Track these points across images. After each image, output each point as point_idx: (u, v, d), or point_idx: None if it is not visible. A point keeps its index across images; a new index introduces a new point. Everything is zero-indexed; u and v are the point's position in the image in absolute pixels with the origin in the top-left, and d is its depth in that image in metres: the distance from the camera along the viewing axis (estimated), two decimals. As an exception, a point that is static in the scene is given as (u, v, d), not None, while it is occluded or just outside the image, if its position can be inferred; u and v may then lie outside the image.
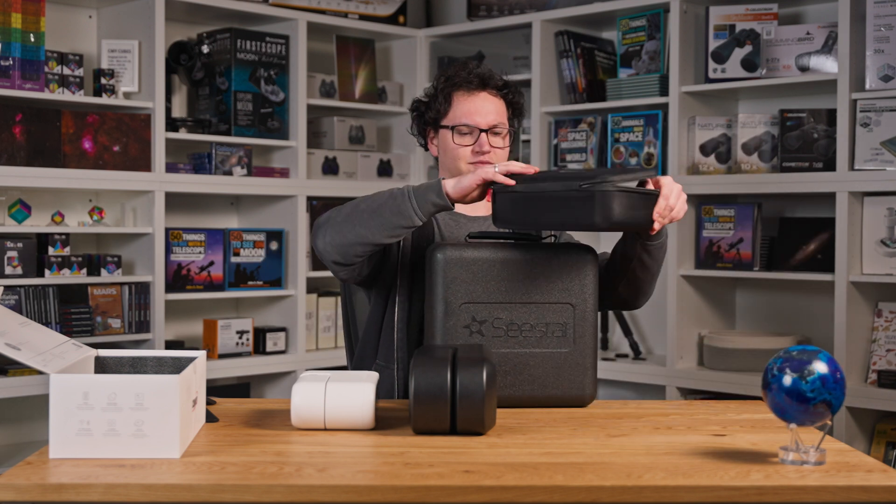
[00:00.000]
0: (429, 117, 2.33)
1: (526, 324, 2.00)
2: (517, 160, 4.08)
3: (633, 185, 1.95)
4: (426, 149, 2.39)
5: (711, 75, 3.62)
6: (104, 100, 3.54)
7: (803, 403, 1.56)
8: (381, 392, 2.18)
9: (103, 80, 3.55)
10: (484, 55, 4.25)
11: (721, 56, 3.60)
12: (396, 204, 2.02)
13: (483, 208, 2.33)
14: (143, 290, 3.60)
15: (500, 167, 2.02)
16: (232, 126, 3.85)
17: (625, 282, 2.17)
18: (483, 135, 2.26)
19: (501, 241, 2.08)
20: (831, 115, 3.39)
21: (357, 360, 2.31)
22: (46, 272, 3.40)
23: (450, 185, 2.02)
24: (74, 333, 3.42)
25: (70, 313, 3.45)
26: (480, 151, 2.25)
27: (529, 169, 2.02)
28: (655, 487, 1.48)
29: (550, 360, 2.00)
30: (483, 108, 2.27)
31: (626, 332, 3.93)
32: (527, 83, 4.08)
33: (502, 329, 2.00)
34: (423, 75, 4.35)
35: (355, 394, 1.80)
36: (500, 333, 2.00)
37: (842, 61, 3.29)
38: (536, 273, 2.00)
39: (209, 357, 3.78)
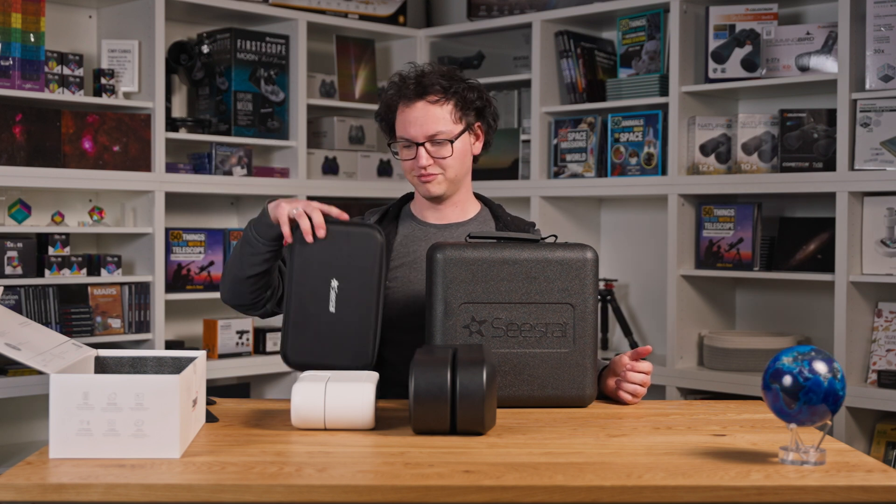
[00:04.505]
0: (384, 128, 2.32)
1: (526, 324, 2.00)
2: (518, 160, 4.08)
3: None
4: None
5: (711, 75, 3.62)
6: (104, 100, 3.54)
7: (837, 403, 1.57)
8: None
9: (103, 80, 3.55)
10: (484, 55, 4.25)
11: (721, 56, 3.60)
12: (246, 238, 2.11)
13: (453, 216, 2.32)
14: (143, 290, 3.60)
15: (305, 208, 2.02)
16: (232, 126, 3.85)
17: None
18: (420, 148, 2.21)
19: (501, 241, 2.08)
20: (831, 115, 3.39)
21: None
22: (46, 272, 3.40)
23: (270, 209, 2.07)
24: (74, 333, 3.42)
25: (70, 313, 3.45)
26: (420, 165, 2.22)
27: (341, 215, 2.05)
28: (655, 487, 1.48)
29: (550, 360, 2.00)
30: (418, 119, 2.21)
31: (626, 332, 3.93)
32: (527, 83, 4.08)
33: (502, 329, 1.99)
34: (423, 75, 4.35)
35: (355, 394, 1.80)
36: (499, 333, 1.99)
37: (842, 61, 3.29)
38: (536, 273, 2.00)
39: (209, 357, 3.78)
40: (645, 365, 2.10)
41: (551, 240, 2.16)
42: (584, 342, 2.01)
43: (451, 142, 2.22)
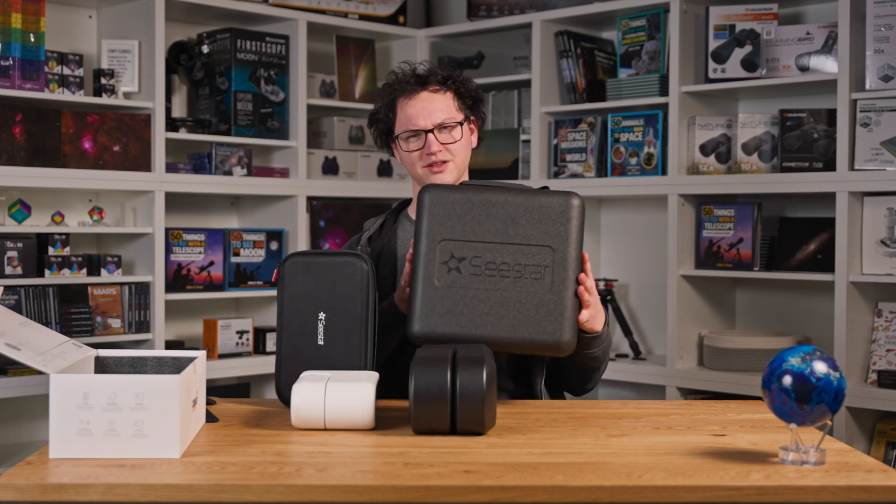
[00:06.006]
0: (381, 129, 2.33)
1: (504, 263, 1.99)
2: (518, 160, 4.08)
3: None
4: (393, 156, 2.38)
5: (711, 75, 3.62)
6: (104, 100, 3.54)
7: (841, 402, 1.58)
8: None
9: (103, 80, 3.55)
10: (484, 55, 4.25)
11: (721, 56, 3.60)
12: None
13: None
14: (143, 290, 3.60)
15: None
16: (232, 126, 3.85)
17: (572, 370, 2.21)
18: (429, 135, 2.24)
19: (491, 185, 2.09)
20: (831, 115, 3.39)
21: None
22: (46, 272, 3.40)
23: (403, 304, 2.14)
24: (74, 333, 3.41)
25: (70, 313, 3.44)
26: (429, 152, 2.24)
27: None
28: (655, 487, 1.48)
29: (527, 302, 1.98)
30: (425, 108, 2.25)
31: (626, 332, 3.93)
32: (527, 83, 4.08)
33: (480, 267, 1.99)
34: (423, 75, 4.34)
35: (355, 394, 1.80)
36: (477, 272, 1.99)
37: (842, 61, 3.29)
38: (518, 215, 2.00)
39: (209, 357, 3.78)
40: (590, 282, 2.05)
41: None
42: (563, 287, 1.99)
43: (461, 124, 2.27)
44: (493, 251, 2.00)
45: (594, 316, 2.07)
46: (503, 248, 2.00)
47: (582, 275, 2.02)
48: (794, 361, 1.58)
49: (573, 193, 2.02)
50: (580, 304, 2.02)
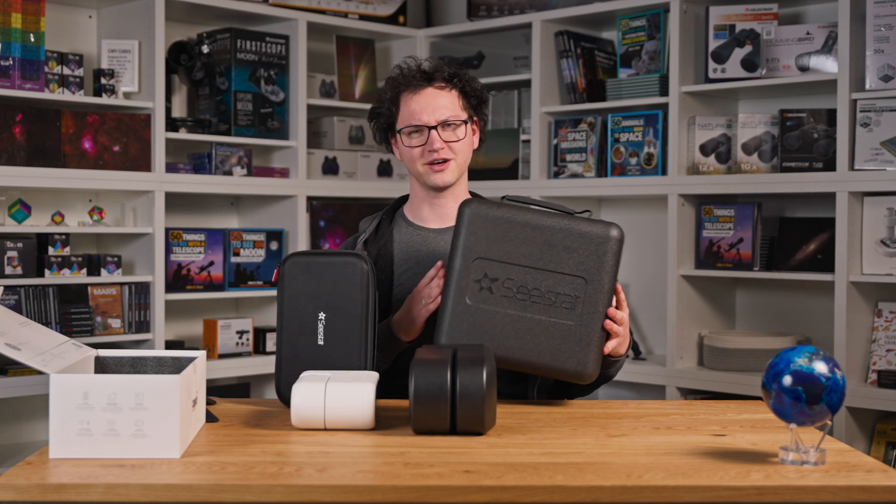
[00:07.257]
0: (383, 123, 2.31)
1: (536, 289, 1.99)
2: (518, 160, 4.08)
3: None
4: (392, 153, 2.36)
5: (711, 75, 3.62)
6: (104, 100, 3.54)
7: (843, 401, 1.59)
8: None
9: (103, 80, 3.55)
10: (484, 55, 4.25)
11: (721, 56, 3.60)
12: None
13: (449, 220, 2.30)
14: (143, 290, 3.60)
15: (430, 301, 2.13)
16: (232, 126, 3.85)
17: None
18: (432, 132, 2.22)
19: (534, 206, 2.07)
20: (831, 115, 3.39)
21: None
22: (46, 272, 3.40)
23: (402, 332, 2.17)
24: (74, 333, 3.41)
25: (70, 313, 3.45)
26: (432, 149, 2.22)
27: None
28: (655, 487, 1.48)
29: (554, 331, 1.97)
30: (430, 104, 2.23)
31: (626, 332, 3.93)
32: (527, 83, 4.08)
33: (512, 290, 1.99)
34: (423, 75, 4.34)
35: (355, 394, 1.80)
36: (509, 294, 1.99)
37: (842, 61, 3.29)
38: (556, 241, 1.99)
39: (209, 357, 3.78)
40: (620, 315, 2.04)
41: (586, 215, 2.14)
42: (592, 319, 1.98)
43: (465, 122, 2.25)
44: (527, 275, 1.99)
45: (621, 344, 2.07)
46: (537, 274, 1.99)
47: (611, 309, 2.00)
48: (801, 362, 1.58)
49: (613, 225, 2.00)
50: (608, 335, 2.02)
